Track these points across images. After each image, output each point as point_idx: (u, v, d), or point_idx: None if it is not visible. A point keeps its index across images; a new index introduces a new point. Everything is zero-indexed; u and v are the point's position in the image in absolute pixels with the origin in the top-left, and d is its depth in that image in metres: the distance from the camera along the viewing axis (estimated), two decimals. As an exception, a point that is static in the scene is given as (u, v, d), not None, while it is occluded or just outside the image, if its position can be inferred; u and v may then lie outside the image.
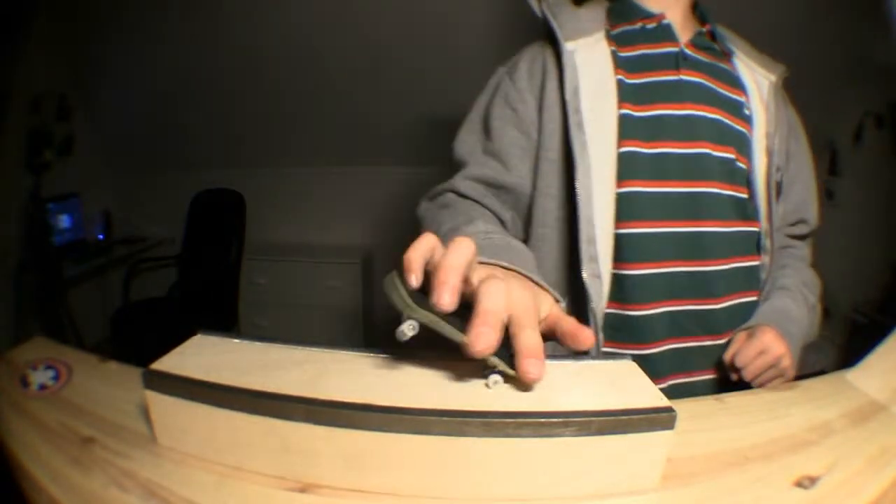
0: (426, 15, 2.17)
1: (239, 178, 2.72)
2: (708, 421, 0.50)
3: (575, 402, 0.38)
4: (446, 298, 0.36)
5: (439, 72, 2.36)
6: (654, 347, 0.70)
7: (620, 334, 0.70)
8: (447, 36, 2.23)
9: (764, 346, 0.64)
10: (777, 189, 0.74)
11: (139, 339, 2.35)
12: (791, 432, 0.48)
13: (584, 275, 0.65)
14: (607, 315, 0.69)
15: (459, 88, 2.35)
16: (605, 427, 0.36)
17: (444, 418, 0.36)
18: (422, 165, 2.78)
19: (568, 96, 0.68)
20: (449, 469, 0.37)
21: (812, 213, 0.84)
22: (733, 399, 0.55)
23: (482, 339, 0.35)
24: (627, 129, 0.68)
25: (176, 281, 2.73)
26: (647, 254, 0.68)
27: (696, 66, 0.73)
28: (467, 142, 0.78)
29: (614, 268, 0.68)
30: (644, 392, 0.41)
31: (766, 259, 0.75)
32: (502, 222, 0.75)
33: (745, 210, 0.73)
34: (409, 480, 0.37)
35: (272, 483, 0.38)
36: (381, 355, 0.45)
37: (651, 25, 0.75)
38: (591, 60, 0.70)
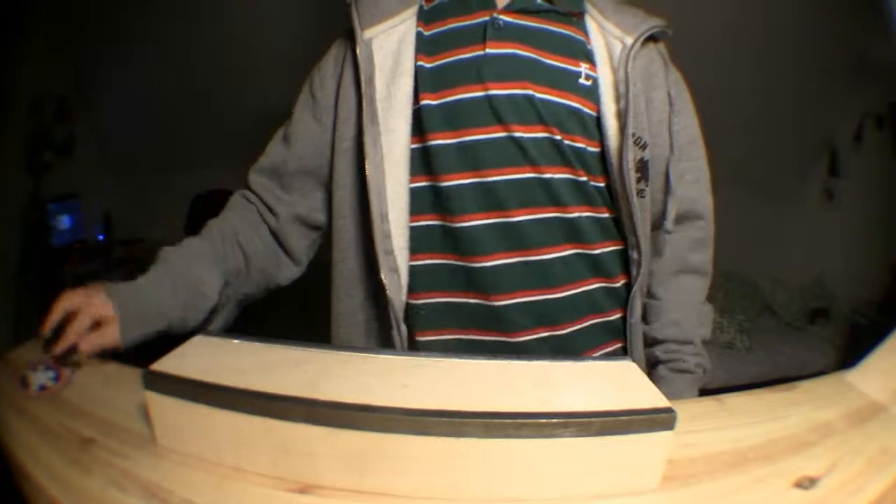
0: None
1: (239, 179, 2.71)
2: (708, 422, 0.50)
3: (575, 403, 0.38)
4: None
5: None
6: (487, 336, 0.65)
7: (420, 323, 0.66)
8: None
9: None
10: (641, 169, 0.65)
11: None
12: (791, 433, 0.48)
13: (381, 270, 0.63)
14: (409, 305, 0.66)
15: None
16: (605, 428, 0.36)
17: (444, 419, 0.36)
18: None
19: (363, 87, 0.63)
20: (449, 470, 0.37)
21: (705, 202, 0.73)
22: (733, 400, 0.55)
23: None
24: (428, 120, 0.63)
25: (176, 282, 2.73)
26: (462, 246, 0.63)
27: (510, 35, 0.63)
28: (276, 133, 0.77)
29: (412, 260, 0.65)
30: (644, 393, 0.41)
31: (634, 254, 0.68)
32: (275, 215, 0.76)
33: (587, 194, 0.65)
34: (409, 481, 0.37)
35: (272, 484, 0.38)
36: (381, 356, 0.45)
37: None
38: (388, 47, 0.65)
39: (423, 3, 0.68)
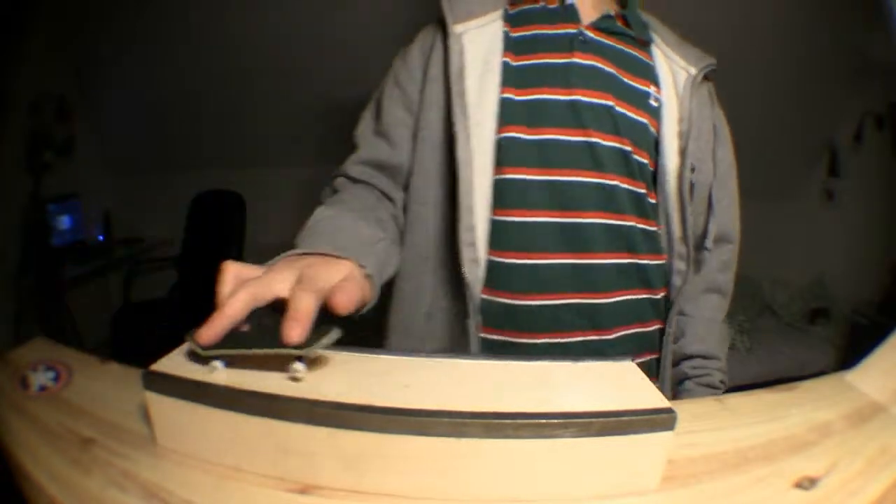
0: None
1: (239, 179, 2.71)
2: (708, 422, 0.50)
3: (575, 403, 0.38)
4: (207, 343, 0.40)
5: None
6: (535, 338, 0.67)
7: (500, 321, 0.67)
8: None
9: None
10: (690, 192, 0.70)
11: (139, 340, 2.35)
12: (791, 433, 0.48)
13: (463, 259, 0.64)
14: (485, 301, 0.66)
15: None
16: (605, 428, 0.36)
17: (444, 419, 0.36)
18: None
19: (452, 79, 0.66)
20: (449, 470, 0.37)
21: (735, 227, 0.80)
22: (733, 400, 0.55)
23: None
24: (508, 113, 0.66)
25: (176, 282, 2.73)
26: (524, 243, 0.65)
27: (594, 49, 0.68)
28: (362, 124, 0.77)
29: (491, 255, 0.66)
30: (644, 393, 0.41)
31: (680, 264, 0.71)
32: (392, 200, 0.74)
33: (643, 206, 0.69)
34: (409, 482, 0.37)
35: (272, 484, 0.38)
36: (381, 356, 0.45)
37: (553, 6, 0.71)
38: (479, 42, 0.68)
39: (508, 7, 0.72)
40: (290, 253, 0.52)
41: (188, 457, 0.41)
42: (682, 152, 0.69)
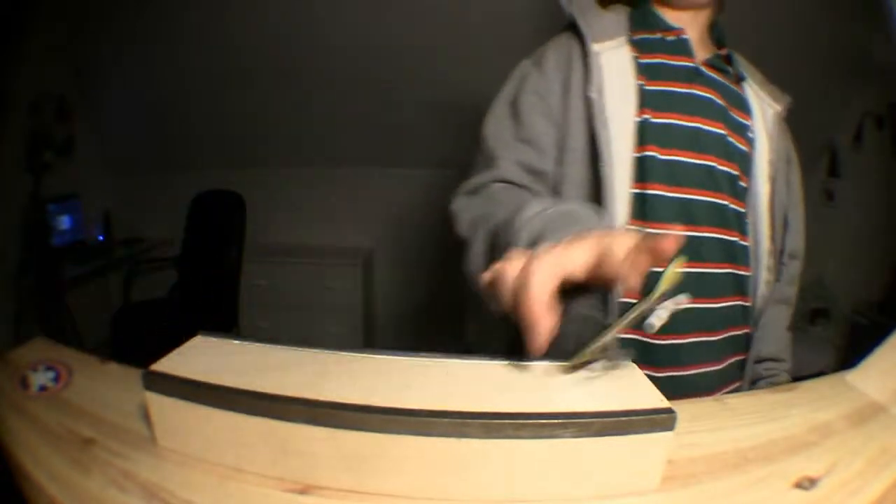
0: (426, 17, 2.17)
1: (239, 180, 2.71)
2: (708, 422, 0.50)
3: (575, 403, 0.38)
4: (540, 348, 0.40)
5: (439, 74, 2.36)
6: (659, 340, 0.71)
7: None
8: (447, 39, 2.23)
9: None
10: (783, 218, 0.79)
11: (139, 340, 2.35)
12: (791, 433, 0.48)
13: None
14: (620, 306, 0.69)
15: (461, 91, 2.35)
16: (605, 428, 0.36)
17: (444, 419, 0.36)
18: (422, 167, 2.78)
19: (594, 95, 0.70)
20: (449, 470, 0.37)
21: (802, 245, 0.87)
22: (733, 400, 0.56)
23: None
24: (646, 133, 0.71)
25: (176, 282, 2.73)
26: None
27: (708, 83, 0.76)
28: (497, 132, 0.78)
29: None
30: (644, 393, 0.41)
31: (768, 276, 0.79)
32: None
33: (743, 224, 0.77)
34: (410, 482, 0.37)
35: (272, 484, 0.38)
36: (381, 356, 0.45)
37: (671, 38, 0.78)
38: (614, 63, 0.73)
39: (630, 33, 0.77)
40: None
41: (188, 457, 0.41)
42: (772, 180, 0.78)
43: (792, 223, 0.82)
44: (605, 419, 0.36)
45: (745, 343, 0.79)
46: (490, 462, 0.36)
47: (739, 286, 0.77)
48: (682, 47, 0.77)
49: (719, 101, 0.75)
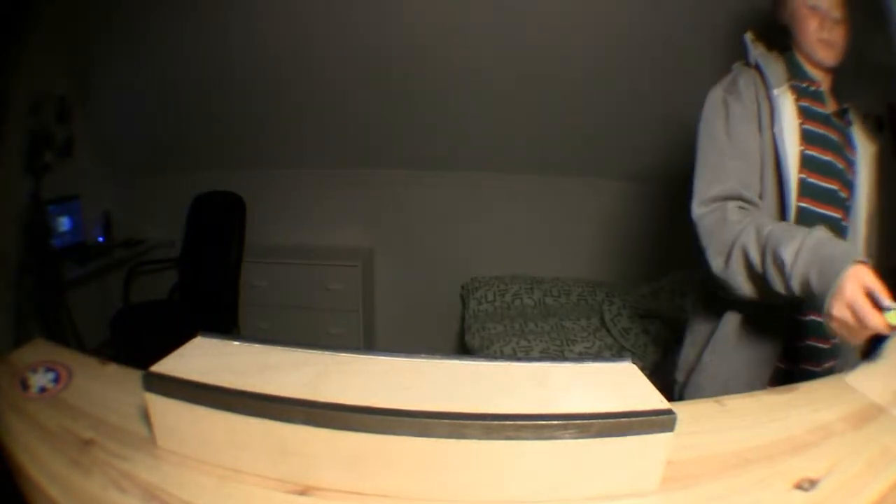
0: (425, 18, 2.17)
1: (239, 180, 2.71)
2: (708, 423, 0.50)
3: (575, 405, 0.38)
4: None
5: (438, 75, 2.36)
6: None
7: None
8: (447, 41, 2.23)
9: None
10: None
11: (139, 341, 2.35)
12: (791, 434, 0.48)
13: None
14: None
15: (457, 94, 2.34)
16: (605, 429, 0.36)
17: (445, 421, 0.36)
18: (421, 168, 2.78)
19: (775, 130, 0.90)
20: (449, 471, 0.36)
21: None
22: (733, 401, 0.55)
23: None
24: (802, 162, 0.89)
25: (176, 283, 2.72)
26: None
27: (835, 127, 0.94)
28: (717, 150, 0.93)
29: None
30: (644, 394, 0.41)
31: None
32: None
33: (843, 231, 0.93)
34: (409, 483, 0.37)
35: (271, 485, 0.38)
36: (381, 357, 0.45)
37: (813, 88, 0.95)
38: (785, 105, 0.92)
39: (789, 79, 0.94)
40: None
41: (188, 458, 0.41)
42: (870, 199, 0.96)
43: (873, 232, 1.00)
44: (605, 420, 0.36)
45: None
46: (490, 463, 0.36)
47: None
48: (819, 96, 0.95)
49: (841, 143, 0.93)
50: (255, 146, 2.89)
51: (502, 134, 2.38)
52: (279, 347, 0.46)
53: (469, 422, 0.35)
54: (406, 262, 2.99)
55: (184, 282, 2.73)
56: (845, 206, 0.95)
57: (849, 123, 1.00)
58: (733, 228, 0.85)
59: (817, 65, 0.98)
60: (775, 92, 0.93)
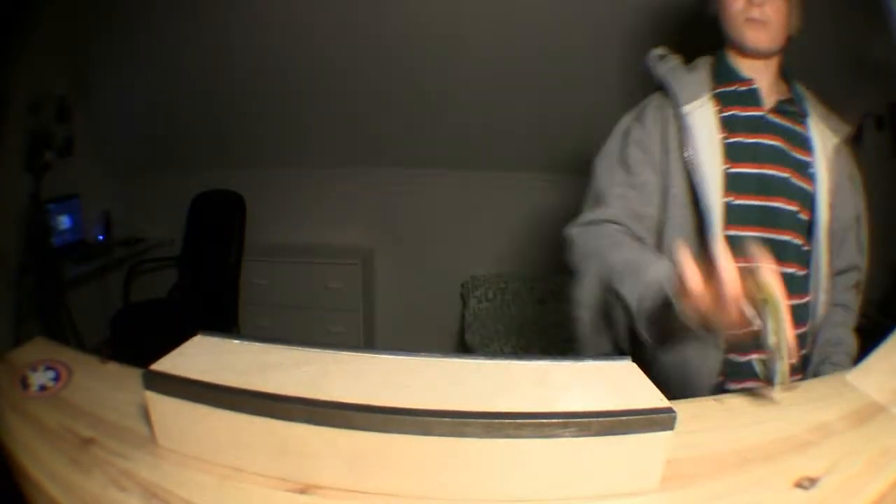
0: (425, 18, 2.17)
1: (239, 180, 2.71)
2: (708, 422, 0.50)
3: (575, 403, 0.38)
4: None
5: (437, 75, 2.36)
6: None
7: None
8: (446, 41, 2.23)
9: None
10: (833, 238, 0.84)
11: (139, 340, 2.35)
12: (791, 433, 0.48)
13: None
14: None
15: (456, 93, 2.34)
16: (605, 428, 0.36)
17: (445, 419, 0.36)
18: (421, 166, 2.78)
19: (688, 154, 0.80)
20: (449, 470, 0.37)
21: (863, 259, 0.93)
22: (733, 400, 0.55)
23: None
24: (730, 183, 0.80)
25: (176, 282, 2.73)
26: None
27: (773, 129, 0.83)
28: (608, 177, 0.88)
29: None
30: (644, 393, 0.41)
31: (823, 296, 0.84)
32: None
33: (802, 257, 0.83)
34: (410, 481, 0.37)
35: (272, 484, 0.38)
36: (381, 356, 0.45)
37: (743, 89, 0.85)
38: (702, 122, 0.83)
39: (714, 87, 0.85)
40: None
41: (188, 457, 0.41)
42: (831, 207, 0.84)
43: (851, 238, 0.90)
44: (604, 419, 0.36)
45: (800, 367, 0.83)
46: (490, 462, 0.36)
47: (796, 315, 0.77)
48: (752, 97, 0.84)
49: (782, 146, 0.82)
50: (255, 145, 2.89)
51: (503, 131, 2.38)
52: (279, 346, 0.46)
53: (469, 420, 0.35)
54: (406, 260, 2.99)
55: (184, 281, 2.73)
56: (796, 221, 0.82)
57: (801, 115, 0.87)
58: (598, 243, 0.80)
59: (751, 54, 0.85)
60: (685, 109, 0.83)
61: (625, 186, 0.85)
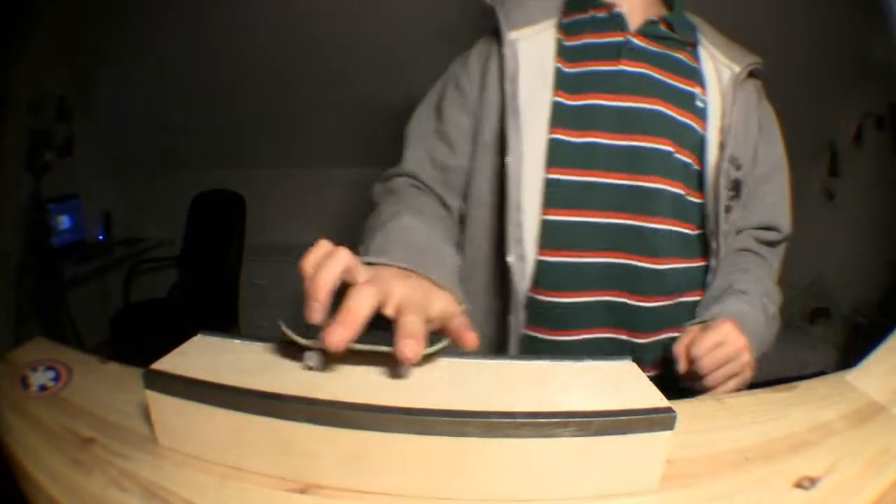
0: (424, 17, 2.17)
1: (239, 179, 2.72)
2: (708, 422, 0.50)
3: (574, 403, 0.38)
4: (313, 316, 0.40)
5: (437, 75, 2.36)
6: (575, 335, 0.69)
7: (542, 319, 0.69)
8: (444, 41, 2.23)
9: (722, 338, 0.59)
10: (735, 188, 0.71)
11: (139, 339, 2.35)
12: (791, 433, 0.48)
13: (510, 257, 0.66)
14: (530, 299, 0.69)
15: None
16: (605, 427, 0.36)
17: (445, 418, 0.36)
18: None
19: (506, 83, 0.69)
20: (449, 469, 0.37)
21: (784, 220, 0.81)
22: (733, 400, 0.55)
23: (332, 335, 0.38)
24: (557, 116, 0.68)
25: (176, 282, 2.73)
26: (572, 242, 0.68)
27: (641, 55, 0.71)
28: (417, 125, 0.79)
29: (540, 254, 0.68)
30: (644, 392, 0.41)
31: (713, 262, 0.72)
32: (448, 207, 0.76)
33: (685, 209, 0.71)
34: (410, 481, 0.37)
35: (273, 484, 0.38)
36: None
37: (601, 14, 0.73)
38: (532, 49, 0.71)
39: (561, 17, 0.74)
40: (382, 260, 0.54)
41: (189, 456, 0.41)
42: (722, 149, 0.70)
43: (766, 198, 0.77)
44: (604, 418, 0.36)
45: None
46: (490, 461, 0.36)
47: (679, 282, 0.71)
48: (613, 23, 0.72)
49: (653, 74, 0.70)
50: (255, 145, 2.89)
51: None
52: (279, 346, 0.46)
53: (469, 419, 0.35)
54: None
55: (184, 280, 2.73)
56: (672, 165, 0.69)
57: (686, 43, 0.74)
58: (378, 213, 0.70)
59: None
60: (511, 36, 0.70)
61: (433, 136, 0.77)
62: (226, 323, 2.54)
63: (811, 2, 2.05)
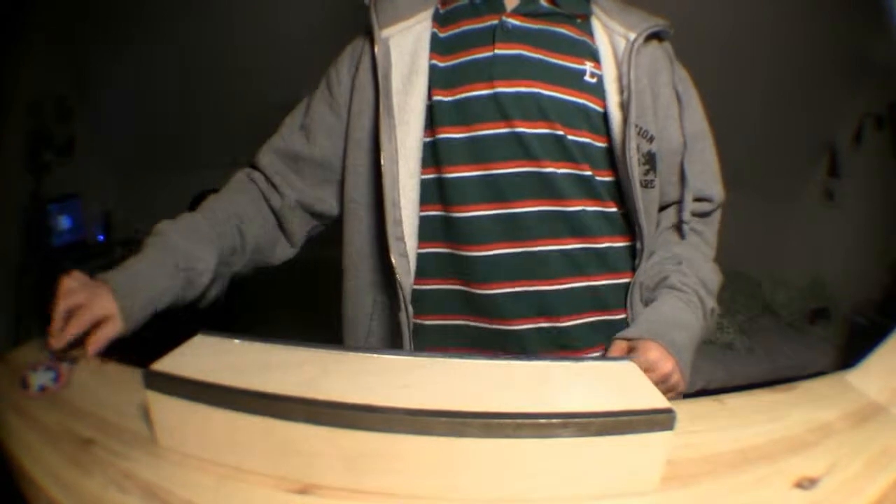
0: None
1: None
2: (708, 422, 0.50)
3: (574, 403, 0.38)
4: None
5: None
6: (490, 324, 0.68)
7: (425, 308, 0.70)
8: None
9: (648, 365, 0.57)
10: (649, 161, 0.68)
11: (139, 340, 2.35)
12: (791, 433, 0.48)
13: (392, 254, 0.66)
14: (418, 291, 0.68)
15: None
16: (605, 428, 0.36)
17: (444, 419, 0.36)
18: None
19: (379, 81, 0.68)
20: (448, 470, 0.37)
21: (714, 189, 0.75)
22: (733, 400, 0.55)
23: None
24: (440, 115, 0.67)
25: (176, 282, 2.73)
26: (464, 236, 0.67)
27: (517, 37, 0.67)
28: (288, 117, 0.80)
29: (420, 247, 0.68)
30: (644, 393, 0.41)
31: (638, 244, 0.70)
32: (282, 195, 0.76)
33: (591, 188, 0.68)
34: (409, 481, 0.37)
35: (272, 484, 0.38)
36: (381, 356, 0.45)
37: (478, 1, 0.70)
38: (405, 45, 0.69)
39: (439, 6, 0.72)
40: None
41: (189, 456, 0.41)
42: (625, 122, 0.66)
43: (693, 167, 0.71)
44: (604, 419, 0.36)
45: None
46: (490, 462, 0.36)
47: (599, 262, 0.69)
48: (490, 5, 0.69)
49: (531, 54, 0.67)
50: (255, 145, 2.89)
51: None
52: (279, 346, 0.46)
53: (468, 420, 0.35)
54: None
55: (184, 281, 2.72)
56: (567, 147, 0.66)
57: (571, 16, 0.70)
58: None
59: None
60: (384, 34, 0.69)
61: (294, 127, 0.77)
62: (226, 323, 2.54)
63: (811, 2, 2.05)
